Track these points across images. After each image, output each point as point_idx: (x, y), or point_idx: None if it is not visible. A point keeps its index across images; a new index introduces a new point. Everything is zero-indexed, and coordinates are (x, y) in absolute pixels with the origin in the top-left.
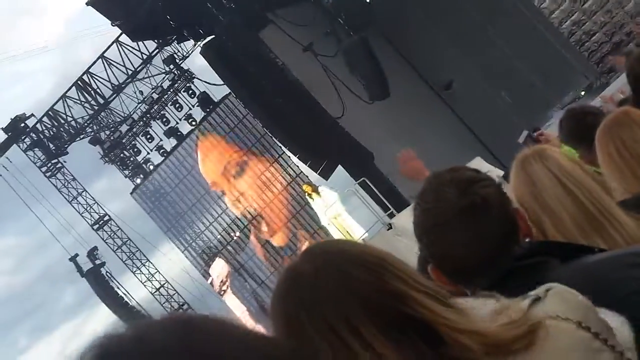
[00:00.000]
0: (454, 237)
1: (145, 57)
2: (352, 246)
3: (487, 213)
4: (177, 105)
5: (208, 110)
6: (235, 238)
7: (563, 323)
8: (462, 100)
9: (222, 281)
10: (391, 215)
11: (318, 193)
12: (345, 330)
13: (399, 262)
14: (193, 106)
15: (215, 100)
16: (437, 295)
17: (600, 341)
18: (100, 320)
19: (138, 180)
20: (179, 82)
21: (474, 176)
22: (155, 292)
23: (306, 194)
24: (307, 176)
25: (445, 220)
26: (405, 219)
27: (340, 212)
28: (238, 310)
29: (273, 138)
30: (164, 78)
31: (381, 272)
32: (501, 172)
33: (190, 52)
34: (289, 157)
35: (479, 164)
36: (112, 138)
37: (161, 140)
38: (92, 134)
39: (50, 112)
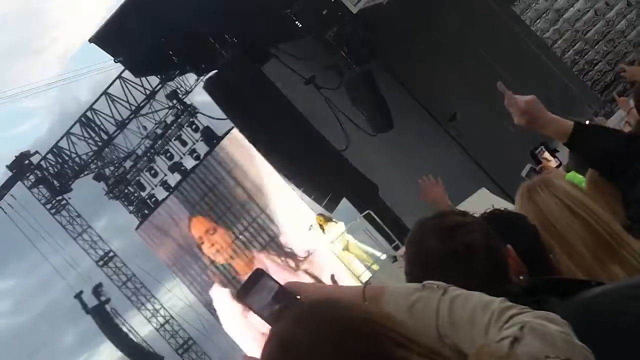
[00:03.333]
0: None
1: (148, 92)
2: (348, 310)
3: (470, 259)
4: (181, 140)
5: (212, 144)
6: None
7: None
8: (466, 132)
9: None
10: (396, 248)
11: (332, 221)
12: None
13: (399, 323)
14: (197, 141)
15: (219, 135)
16: (440, 357)
17: None
18: None
19: (142, 216)
20: (182, 117)
21: (458, 222)
22: (160, 327)
23: (319, 225)
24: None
25: (429, 269)
26: None
27: (352, 241)
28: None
29: (276, 171)
30: (167, 113)
31: (380, 340)
32: (505, 204)
33: (193, 87)
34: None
35: (484, 195)
36: (116, 174)
37: (165, 175)
38: (97, 170)
39: (54, 149)
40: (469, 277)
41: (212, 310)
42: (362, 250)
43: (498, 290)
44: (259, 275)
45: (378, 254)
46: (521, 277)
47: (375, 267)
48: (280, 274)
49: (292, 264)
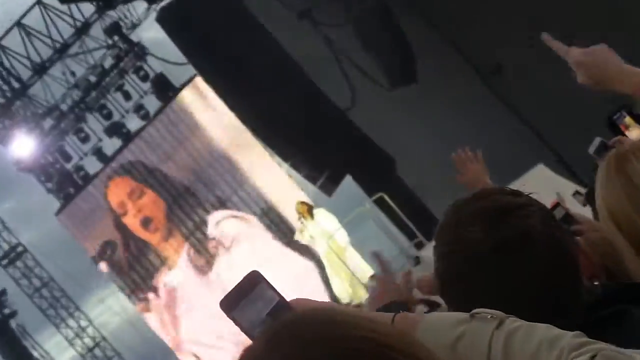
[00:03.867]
0: (485, 290)
1: (79, 25)
2: (344, 328)
3: (529, 251)
4: (123, 91)
5: (167, 98)
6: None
7: None
8: (516, 89)
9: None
10: (419, 246)
11: (312, 216)
12: None
13: (405, 343)
14: (145, 93)
15: (176, 86)
16: None
17: None
18: None
19: (66, 197)
20: (126, 59)
21: (509, 203)
22: (88, 352)
23: (299, 216)
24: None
25: (469, 267)
26: None
27: (343, 246)
28: None
29: (255, 137)
30: (105, 54)
31: None
32: (572, 186)
33: (142, 18)
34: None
35: (541, 173)
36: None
37: (100, 140)
38: (3, 131)
39: None
40: (524, 277)
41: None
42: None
43: (564, 296)
44: (255, 280)
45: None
46: (596, 283)
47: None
48: None
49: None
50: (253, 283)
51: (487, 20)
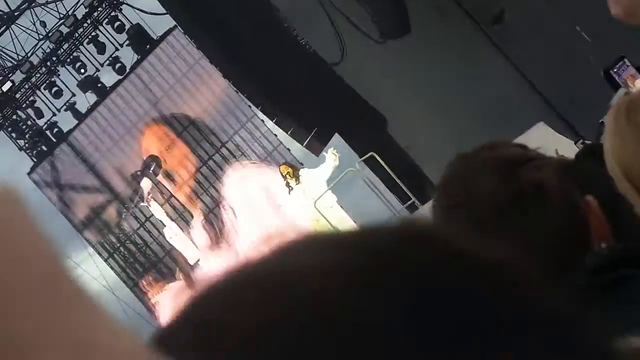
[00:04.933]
0: (495, 244)
1: None
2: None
3: (542, 205)
4: (98, 43)
5: (144, 51)
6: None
7: None
8: (517, 39)
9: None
10: (412, 208)
11: (297, 178)
12: None
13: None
14: (121, 45)
15: (154, 38)
16: None
17: None
18: None
19: (38, 155)
20: (101, 9)
21: (520, 154)
22: None
23: (284, 178)
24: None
25: (479, 220)
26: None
27: (331, 205)
28: None
29: (238, 93)
30: (77, 3)
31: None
32: (574, 146)
33: None
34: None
35: (542, 132)
36: None
37: (73, 95)
38: None
39: None
40: (535, 233)
41: (144, 297)
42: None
43: (576, 260)
44: None
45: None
46: (603, 245)
47: None
48: None
49: None
50: None
51: None
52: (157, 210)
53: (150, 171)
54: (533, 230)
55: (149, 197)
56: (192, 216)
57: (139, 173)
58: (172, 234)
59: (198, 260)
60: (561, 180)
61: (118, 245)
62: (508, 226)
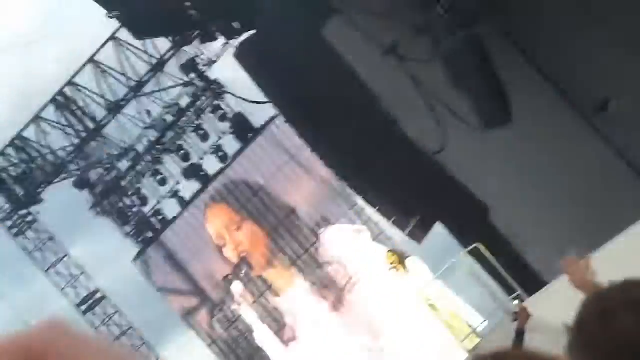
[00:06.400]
0: None
1: (154, 62)
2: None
3: None
4: (201, 132)
5: (246, 140)
6: None
7: None
8: (624, 128)
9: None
10: (518, 299)
11: (404, 266)
12: None
13: None
14: (224, 134)
15: (255, 127)
16: None
17: None
18: None
19: (144, 242)
20: (204, 98)
21: None
22: None
23: (390, 265)
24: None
25: (622, 356)
26: (542, 305)
27: (440, 295)
28: None
29: (340, 181)
30: (181, 92)
31: None
32: None
33: (219, 54)
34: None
35: None
36: (106, 179)
37: (178, 183)
38: (78, 172)
39: (16, 142)
40: None
41: None
42: (453, 315)
43: None
44: None
45: (478, 319)
46: None
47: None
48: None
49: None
50: None
51: (591, 51)
52: (248, 313)
53: (242, 273)
54: None
55: (240, 299)
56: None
57: (230, 276)
58: (263, 337)
59: None
60: None
61: (219, 331)
62: None
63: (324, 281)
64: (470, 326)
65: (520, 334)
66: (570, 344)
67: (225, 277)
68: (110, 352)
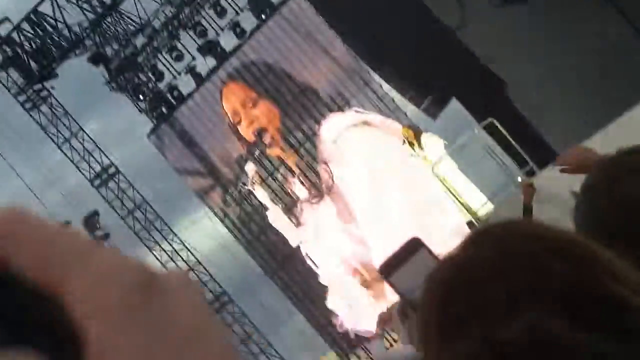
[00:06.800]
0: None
1: None
2: (545, 229)
3: None
4: (219, 8)
5: (264, 15)
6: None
7: None
8: None
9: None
10: (531, 174)
11: (419, 143)
12: None
13: (610, 257)
14: (241, 10)
15: (274, 2)
16: None
17: None
18: None
19: (158, 117)
20: None
21: None
22: None
23: (404, 140)
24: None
25: (631, 221)
26: (553, 178)
27: (451, 170)
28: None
29: (357, 58)
30: None
31: (589, 265)
32: None
33: None
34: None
35: None
36: (122, 55)
37: (194, 59)
38: (94, 48)
39: (32, 16)
40: None
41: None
42: (465, 189)
43: None
44: (415, 246)
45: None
46: None
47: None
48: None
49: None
50: (412, 249)
51: None
52: (261, 194)
53: (256, 154)
54: None
55: (253, 180)
56: (292, 173)
57: (244, 156)
58: (275, 217)
59: (300, 243)
60: None
61: (230, 203)
62: None
63: (313, 178)
64: (481, 200)
65: (527, 210)
66: (577, 210)
67: (239, 156)
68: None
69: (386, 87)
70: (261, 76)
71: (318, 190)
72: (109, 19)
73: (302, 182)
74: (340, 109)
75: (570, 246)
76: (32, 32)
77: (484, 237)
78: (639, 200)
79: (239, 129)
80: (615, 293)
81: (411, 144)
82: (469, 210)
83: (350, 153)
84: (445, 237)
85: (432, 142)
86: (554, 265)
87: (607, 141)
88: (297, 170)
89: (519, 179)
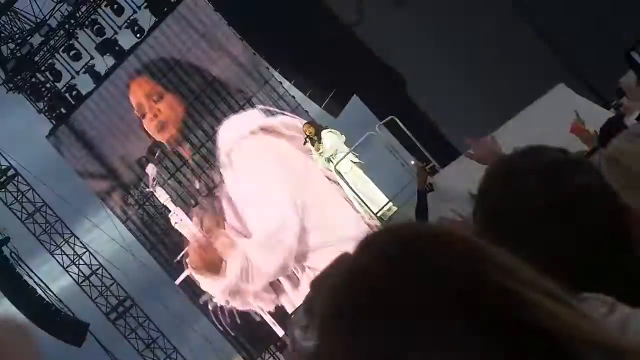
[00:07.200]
0: (539, 247)
1: None
2: (434, 228)
3: (587, 208)
4: (116, 5)
5: (162, 13)
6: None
7: None
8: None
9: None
10: (433, 171)
11: (319, 139)
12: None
13: (499, 251)
14: (139, 7)
15: (171, 0)
16: (559, 296)
17: None
18: None
19: (57, 118)
20: None
21: (560, 158)
22: (84, 281)
23: (305, 137)
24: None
25: (524, 224)
26: (454, 176)
27: (352, 169)
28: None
29: (256, 55)
30: None
31: (482, 261)
32: (602, 110)
33: None
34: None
35: (563, 94)
36: (18, 55)
37: (92, 58)
38: None
39: None
40: (582, 239)
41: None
42: (367, 188)
43: (618, 263)
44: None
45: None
46: None
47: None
48: None
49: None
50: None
51: None
52: (162, 196)
53: (155, 157)
54: (578, 231)
55: (154, 182)
56: (194, 172)
57: (144, 158)
58: (177, 219)
59: None
60: (604, 187)
61: (135, 206)
62: (552, 228)
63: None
64: (383, 198)
65: (421, 195)
66: (475, 209)
67: (140, 157)
68: None
69: (287, 84)
70: (161, 73)
71: (210, 190)
72: (3, 18)
73: (200, 180)
74: (243, 108)
75: (457, 241)
76: None
77: (373, 242)
78: (535, 200)
79: (143, 122)
80: (504, 285)
81: (312, 141)
82: (370, 209)
83: (242, 165)
84: (344, 237)
85: (333, 140)
86: (442, 263)
87: (505, 138)
88: (198, 170)
89: (412, 162)
